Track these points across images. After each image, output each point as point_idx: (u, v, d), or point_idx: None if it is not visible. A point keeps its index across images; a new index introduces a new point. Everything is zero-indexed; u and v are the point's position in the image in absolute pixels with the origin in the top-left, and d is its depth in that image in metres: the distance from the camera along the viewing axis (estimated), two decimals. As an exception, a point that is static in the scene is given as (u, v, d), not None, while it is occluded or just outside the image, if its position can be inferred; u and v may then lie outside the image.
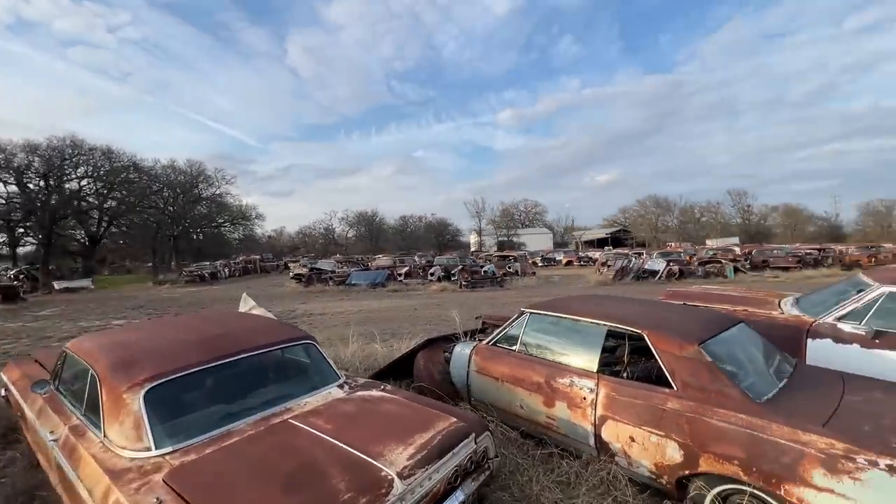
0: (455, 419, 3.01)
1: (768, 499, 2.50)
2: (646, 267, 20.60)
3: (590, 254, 41.17)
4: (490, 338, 4.34)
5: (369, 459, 2.50)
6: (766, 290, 6.74)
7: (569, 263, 37.26)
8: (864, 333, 4.12)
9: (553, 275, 26.54)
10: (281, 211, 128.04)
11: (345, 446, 2.60)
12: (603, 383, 3.31)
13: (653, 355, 3.19)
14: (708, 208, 71.40)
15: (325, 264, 25.83)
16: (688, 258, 23.99)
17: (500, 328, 4.32)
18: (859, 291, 4.49)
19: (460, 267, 22.29)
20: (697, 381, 2.89)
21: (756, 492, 2.53)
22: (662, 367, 3.08)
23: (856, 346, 4.12)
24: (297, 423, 2.92)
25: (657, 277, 19.70)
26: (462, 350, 4.47)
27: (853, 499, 2.19)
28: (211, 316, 4.20)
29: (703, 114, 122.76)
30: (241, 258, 40.46)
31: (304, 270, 23.50)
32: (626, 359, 3.75)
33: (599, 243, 69.63)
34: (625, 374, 3.49)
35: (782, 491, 2.41)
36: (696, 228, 67.00)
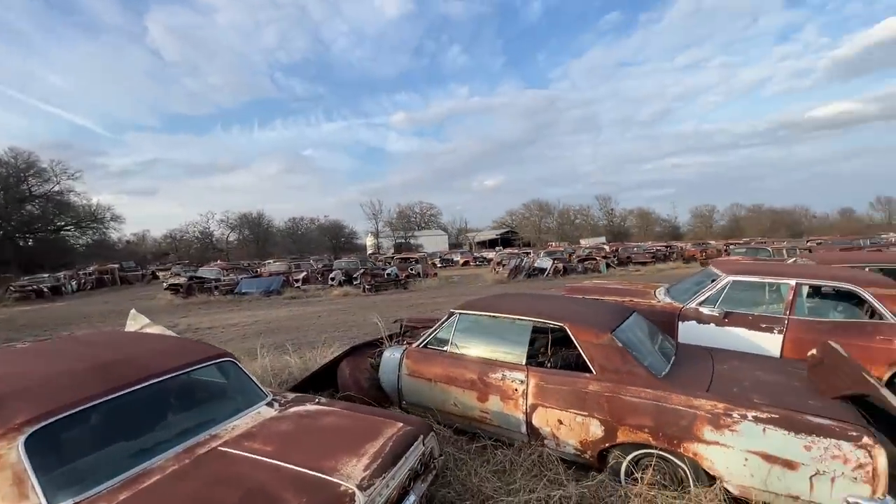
0: (401, 424, 3.04)
1: (671, 457, 3.01)
2: (535, 265, 22.51)
3: (484, 254, 43.52)
4: (421, 340, 4.42)
5: (324, 476, 2.42)
6: (639, 282, 7.90)
7: (465, 264, 38.89)
8: (718, 315, 5.11)
9: (453, 275, 27.49)
10: (142, 212, 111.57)
11: (293, 467, 2.48)
12: (532, 374, 3.62)
13: (573, 345, 3.60)
14: (581, 211, 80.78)
15: (207, 272, 23.21)
16: (568, 256, 26.88)
17: (430, 330, 4.43)
18: (712, 281, 5.55)
19: (362, 270, 21.88)
20: (612, 365, 3.35)
21: (662, 453, 3.03)
22: (582, 354, 3.48)
23: (712, 325, 5.09)
24: (229, 449, 2.69)
25: (545, 275, 21.67)
26: (392, 355, 4.48)
27: (731, 446, 2.77)
28: (99, 339, 3.60)
29: (574, 127, 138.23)
30: (93, 268, 34.21)
31: (182, 280, 20.85)
32: (550, 350, 4.13)
33: (490, 244, 73.90)
34: (549, 364, 3.86)
35: (682, 449, 2.93)
36: (571, 229, 75.10)
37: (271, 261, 33.62)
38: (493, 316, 4.10)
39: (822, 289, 4.84)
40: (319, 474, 2.42)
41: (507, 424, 3.69)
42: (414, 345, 4.44)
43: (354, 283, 20.95)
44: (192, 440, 2.78)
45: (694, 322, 5.23)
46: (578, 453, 3.37)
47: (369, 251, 65.78)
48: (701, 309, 5.28)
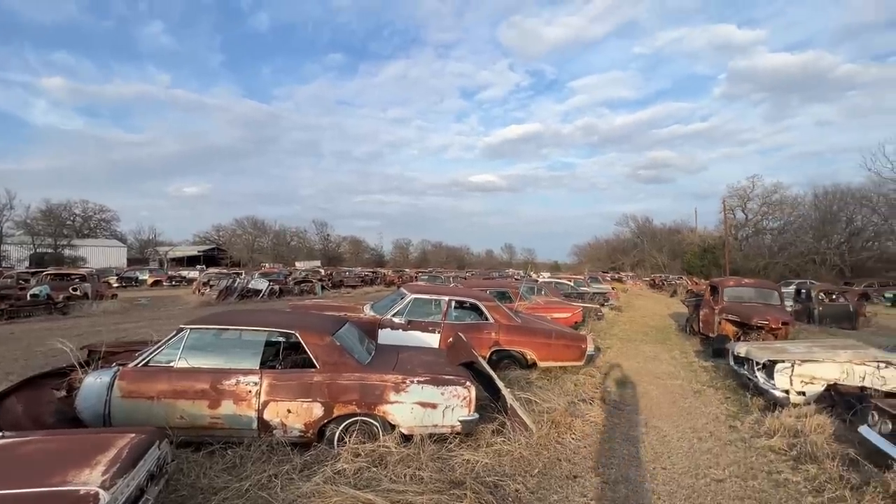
0: (134, 433, 3.17)
1: (369, 419, 4.32)
2: (249, 286, 21.65)
3: (183, 272, 37.65)
4: (140, 359, 4.32)
5: (60, 488, 2.45)
6: (351, 301, 9.57)
7: (156, 283, 32.71)
8: (403, 323, 7.11)
9: (139, 297, 22.82)
10: None
11: (15, 491, 2.38)
12: (265, 376, 4.29)
13: (302, 348, 4.50)
14: (297, 233, 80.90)
15: None
16: (285, 278, 27.05)
17: (153, 348, 4.41)
18: (402, 299, 7.59)
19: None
20: (332, 360, 4.45)
21: (364, 418, 4.30)
22: (309, 354, 4.43)
23: (400, 330, 7.09)
24: None
25: (260, 297, 21.17)
26: (98, 379, 4.18)
27: (404, 402, 4.31)
28: None
29: (296, 148, 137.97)
30: None
31: None
32: (282, 354, 4.86)
33: (191, 261, 64.15)
34: (281, 366, 4.60)
35: (376, 410, 4.28)
36: (287, 251, 74.05)
37: None
38: (227, 328, 4.53)
39: (463, 303, 7.53)
40: (52, 488, 2.44)
41: (238, 424, 4.19)
42: (130, 364, 4.29)
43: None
44: None
45: (388, 329, 7.11)
46: (302, 433, 4.25)
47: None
48: (393, 319, 7.18)
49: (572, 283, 20.82)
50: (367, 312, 7.51)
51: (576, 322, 11.64)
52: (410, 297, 7.43)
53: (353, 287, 31.72)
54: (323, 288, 26.96)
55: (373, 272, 42.06)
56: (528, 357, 6.82)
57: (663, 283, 41.21)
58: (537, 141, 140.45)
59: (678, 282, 38.61)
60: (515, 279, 22.37)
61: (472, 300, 7.35)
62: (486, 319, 7.11)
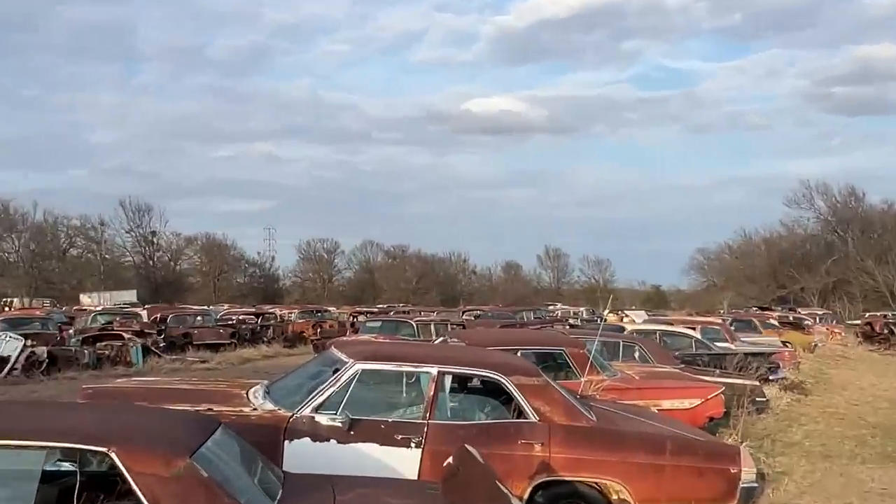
0: None
1: None
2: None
3: None
4: None
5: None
6: (220, 379, 5.66)
7: None
8: (340, 425, 3.52)
9: None
10: None
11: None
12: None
13: (125, 483, 2.08)
14: (82, 230, 43.06)
15: None
16: (60, 332, 15.01)
17: None
18: (335, 371, 3.95)
19: None
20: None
21: None
22: (140, 497, 1.94)
23: (333, 441, 3.52)
24: None
25: (4, 372, 10.72)
26: None
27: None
28: None
29: (76, 45, 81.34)
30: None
31: None
32: (81, 495, 2.30)
33: None
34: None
35: None
36: (64, 271, 40.94)
37: None
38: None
39: (470, 379, 4.12)
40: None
41: None
42: None
43: None
44: None
45: (308, 439, 3.53)
46: None
47: None
48: (318, 418, 3.57)
49: (698, 335, 11.31)
50: (259, 403, 3.80)
51: (710, 417, 6.03)
52: (354, 367, 3.82)
53: (216, 347, 16.42)
54: (149, 351, 13.99)
55: (256, 314, 22.32)
56: (616, 494, 3.42)
57: (892, 330, 20.38)
58: (611, 23, 67.46)
59: None
60: (573, 324, 14.70)
61: (488, 373, 3.83)
62: (523, 415, 3.67)
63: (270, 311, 24.94)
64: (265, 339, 18.90)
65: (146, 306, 24.06)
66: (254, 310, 25.59)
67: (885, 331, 20.12)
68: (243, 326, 19.31)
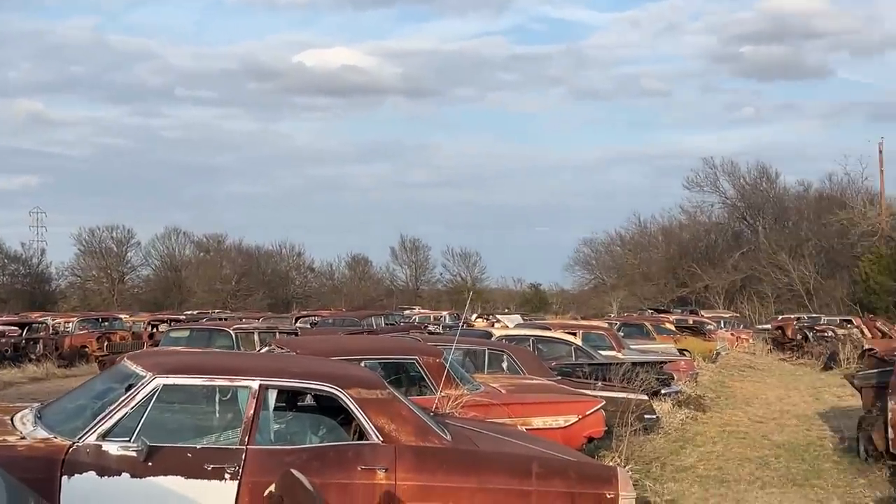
0: None
1: None
2: None
3: None
4: None
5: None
6: None
7: None
8: (135, 455, 3.12)
9: None
10: None
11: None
12: None
13: None
14: None
15: None
16: None
17: None
18: (129, 389, 3.49)
19: None
20: None
21: None
22: None
23: (126, 475, 3.10)
24: None
25: None
26: None
27: None
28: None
29: None
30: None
31: None
32: None
33: None
34: None
35: None
36: None
37: None
38: None
39: (300, 395, 3.82)
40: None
41: None
42: None
43: None
44: None
45: (93, 473, 3.08)
46: None
47: None
48: (105, 447, 3.14)
49: (579, 341, 9.99)
50: (28, 431, 3.23)
51: (589, 437, 5.45)
52: (154, 383, 3.36)
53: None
54: None
55: (20, 324, 18.08)
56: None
57: (806, 336, 18.22)
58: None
59: (843, 330, 17.41)
60: (432, 331, 12.75)
61: (322, 385, 3.39)
62: (364, 436, 3.25)
63: (40, 320, 19.97)
64: (33, 356, 15.51)
65: None
66: (17, 318, 20.40)
67: (799, 336, 17.90)
68: (2, 340, 15.74)
